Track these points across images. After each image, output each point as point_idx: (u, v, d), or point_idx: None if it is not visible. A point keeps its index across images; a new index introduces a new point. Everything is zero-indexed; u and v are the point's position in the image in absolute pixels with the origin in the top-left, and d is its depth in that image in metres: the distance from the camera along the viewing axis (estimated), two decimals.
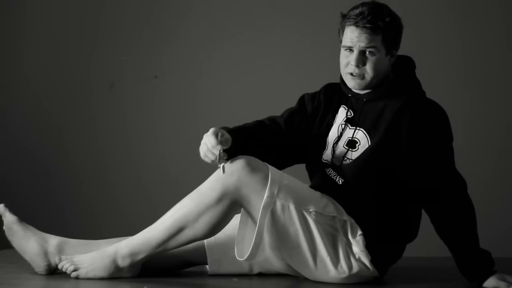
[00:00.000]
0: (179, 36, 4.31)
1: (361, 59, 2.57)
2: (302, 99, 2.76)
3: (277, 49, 4.23)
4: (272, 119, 2.72)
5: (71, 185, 4.32)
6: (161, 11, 4.32)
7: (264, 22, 4.26)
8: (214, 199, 2.47)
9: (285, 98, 4.09)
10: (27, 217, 2.69)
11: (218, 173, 2.48)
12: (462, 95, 4.20)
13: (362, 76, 2.59)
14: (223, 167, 2.45)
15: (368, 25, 2.54)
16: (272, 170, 2.51)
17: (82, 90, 4.33)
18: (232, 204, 2.48)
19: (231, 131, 2.55)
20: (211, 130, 2.46)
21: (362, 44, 2.56)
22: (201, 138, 2.48)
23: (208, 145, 2.45)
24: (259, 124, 2.69)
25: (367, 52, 2.57)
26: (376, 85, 2.62)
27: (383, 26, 2.55)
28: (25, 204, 4.20)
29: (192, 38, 4.30)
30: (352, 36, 2.56)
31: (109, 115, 4.33)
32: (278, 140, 2.68)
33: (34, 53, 4.34)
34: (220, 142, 2.44)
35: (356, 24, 2.55)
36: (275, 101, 4.20)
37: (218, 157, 2.44)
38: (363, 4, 2.58)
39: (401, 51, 2.67)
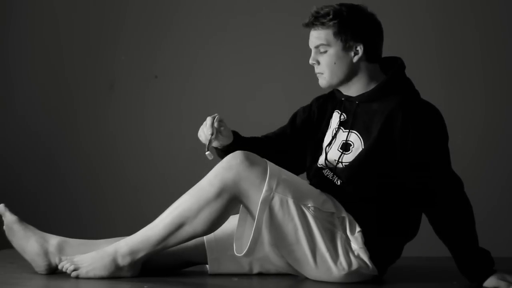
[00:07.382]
0: (180, 36, 4.31)
1: (315, 57, 2.62)
2: (294, 115, 2.80)
3: (278, 50, 4.22)
4: (265, 135, 2.78)
5: (70, 185, 4.32)
6: (162, 11, 4.32)
7: (266, 23, 4.26)
8: (213, 194, 2.46)
9: (285, 98, 4.10)
10: (27, 217, 2.69)
11: (216, 168, 2.49)
12: (461, 95, 4.20)
13: (322, 74, 2.62)
14: (209, 151, 2.53)
15: (315, 22, 2.59)
16: (270, 165, 2.51)
17: (82, 90, 4.33)
18: (231, 199, 2.47)
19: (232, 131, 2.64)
20: (214, 115, 2.57)
21: (313, 43, 2.62)
22: None
23: (206, 123, 2.56)
24: (254, 137, 2.75)
25: (320, 50, 2.60)
26: (368, 84, 2.62)
27: (331, 19, 2.57)
28: (25, 204, 4.20)
29: (192, 38, 4.30)
30: (309, 37, 2.62)
31: (109, 115, 4.33)
32: (271, 151, 2.72)
33: (34, 52, 4.34)
34: (217, 129, 2.55)
35: (306, 25, 2.61)
36: (275, 100, 4.22)
37: (208, 139, 2.54)
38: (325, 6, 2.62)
39: (399, 51, 2.66)
